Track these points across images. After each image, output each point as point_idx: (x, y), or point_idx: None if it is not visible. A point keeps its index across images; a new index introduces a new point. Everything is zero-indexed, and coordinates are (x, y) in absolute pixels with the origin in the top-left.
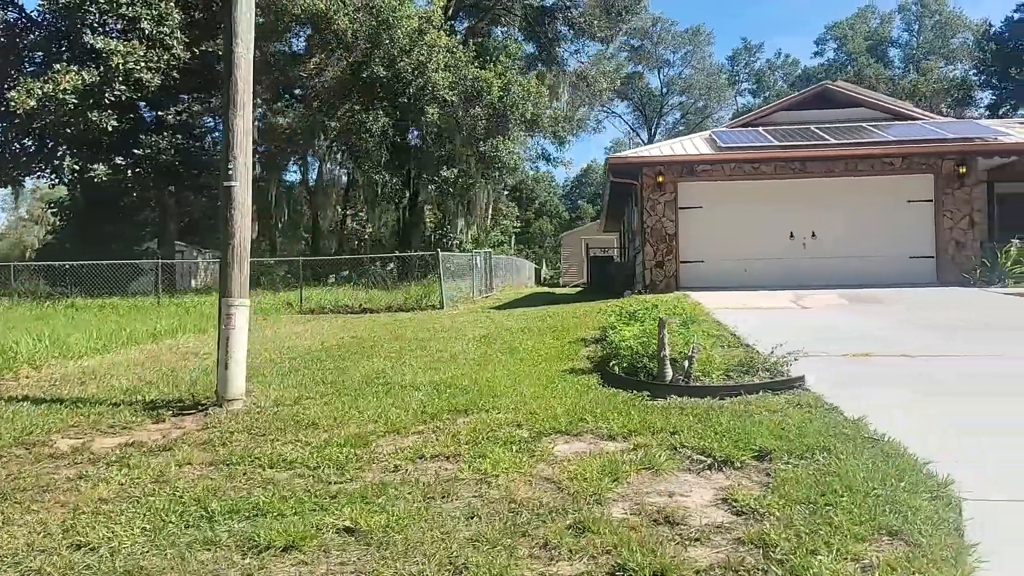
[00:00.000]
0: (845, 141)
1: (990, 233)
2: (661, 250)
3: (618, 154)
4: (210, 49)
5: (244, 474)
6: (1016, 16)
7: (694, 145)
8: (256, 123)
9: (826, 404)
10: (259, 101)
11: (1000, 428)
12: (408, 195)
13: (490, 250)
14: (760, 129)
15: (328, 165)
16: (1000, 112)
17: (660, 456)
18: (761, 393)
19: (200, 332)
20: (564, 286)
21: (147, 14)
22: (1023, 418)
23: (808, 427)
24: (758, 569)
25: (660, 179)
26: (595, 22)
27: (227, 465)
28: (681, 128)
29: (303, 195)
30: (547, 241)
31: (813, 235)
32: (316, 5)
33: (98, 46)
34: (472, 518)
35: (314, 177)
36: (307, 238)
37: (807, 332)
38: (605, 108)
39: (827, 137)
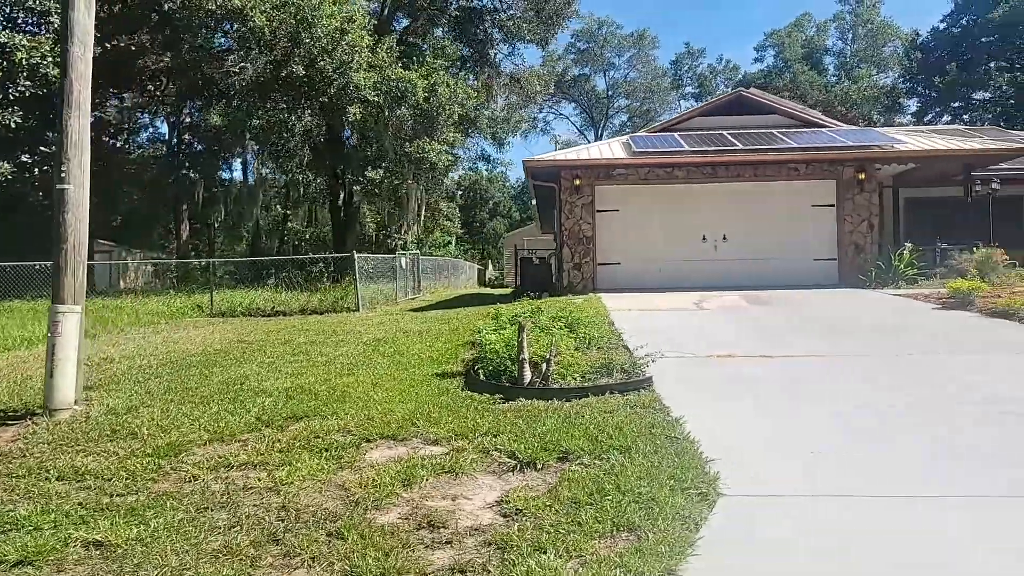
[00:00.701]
0: (752, 147)
1: (897, 236)
2: (579, 252)
3: (536, 157)
4: (122, 44)
5: (24, 487)
6: (942, 26)
7: (611, 149)
8: (186, 120)
9: (659, 405)
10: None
11: (803, 430)
12: (343, 196)
13: (417, 251)
14: (676, 135)
15: (257, 164)
16: (926, 119)
17: (468, 459)
18: (608, 394)
19: (89, 338)
20: (507, 286)
21: (57, 7)
22: (829, 422)
23: (626, 428)
24: (484, 569)
25: (577, 182)
26: (525, 25)
27: (12, 477)
28: (628, 130)
29: (244, 194)
30: (500, 242)
31: (724, 238)
32: (232, 1)
33: (2, 40)
34: (233, 528)
35: (252, 177)
36: (247, 238)
37: (691, 332)
38: (553, 110)
39: (736, 143)
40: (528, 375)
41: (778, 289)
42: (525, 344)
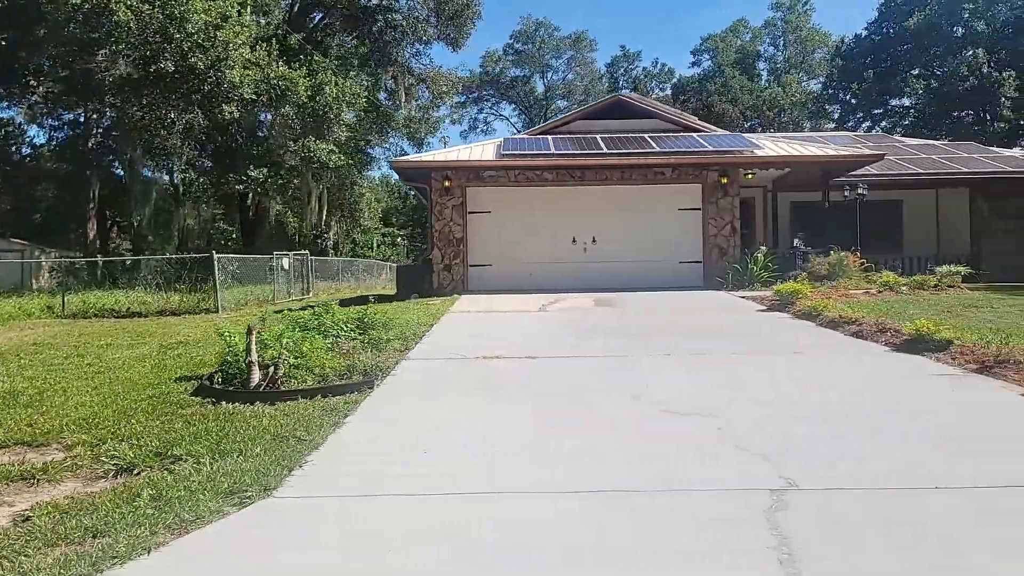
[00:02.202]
0: (620, 151)
1: (777, 239)
2: (449, 254)
3: (404, 158)
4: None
5: None
6: (864, 34)
7: (484, 151)
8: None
9: (350, 408)
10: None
11: (460, 432)
12: (251, 196)
13: (306, 252)
14: (550, 138)
15: (145, 162)
16: (847, 125)
17: (67, 465)
18: (326, 396)
19: None
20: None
21: None
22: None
23: (267, 430)
24: None
25: (447, 183)
26: (421, 25)
27: None
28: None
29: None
30: None
31: (594, 240)
32: None
33: None
34: None
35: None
36: (177, 238)
37: (501, 334)
38: (493, 111)
39: (603, 147)
40: (256, 378)
41: (642, 291)
42: (253, 347)
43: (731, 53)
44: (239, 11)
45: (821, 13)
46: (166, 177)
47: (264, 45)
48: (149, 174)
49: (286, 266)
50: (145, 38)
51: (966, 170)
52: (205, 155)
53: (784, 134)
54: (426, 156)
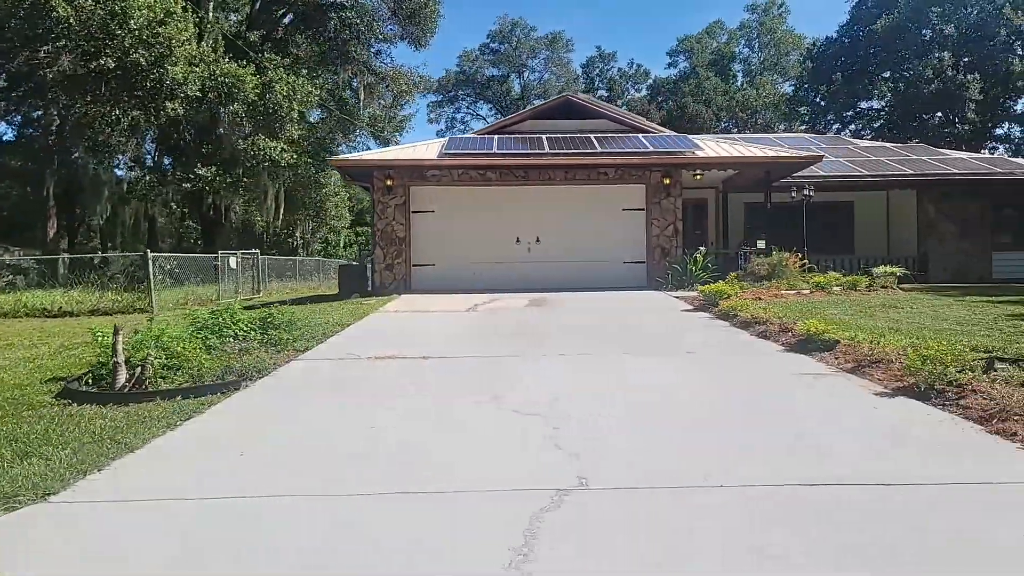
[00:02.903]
0: (562, 151)
1: (725, 239)
2: (391, 253)
3: (343, 156)
4: None
5: None
6: (835, 36)
7: (428, 150)
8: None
9: (202, 409)
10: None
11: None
12: (204, 194)
13: (256, 251)
14: (495, 137)
15: (90, 160)
16: (817, 127)
17: None
18: (183, 397)
19: None
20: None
21: None
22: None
23: (82, 431)
24: None
25: (389, 182)
26: (377, 24)
27: None
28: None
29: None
30: None
31: (538, 240)
32: None
33: None
34: None
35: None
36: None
37: (414, 334)
38: (470, 111)
39: (547, 147)
40: (122, 379)
41: (583, 291)
42: (119, 348)
43: (706, 55)
44: (184, 7)
45: (797, 16)
46: (120, 173)
47: (211, 42)
48: (97, 171)
49: (233, 265)
50: (88, 33)
51: (912, 172)
52: (156, 152)
53: (731, 135)
54: (367, 155)
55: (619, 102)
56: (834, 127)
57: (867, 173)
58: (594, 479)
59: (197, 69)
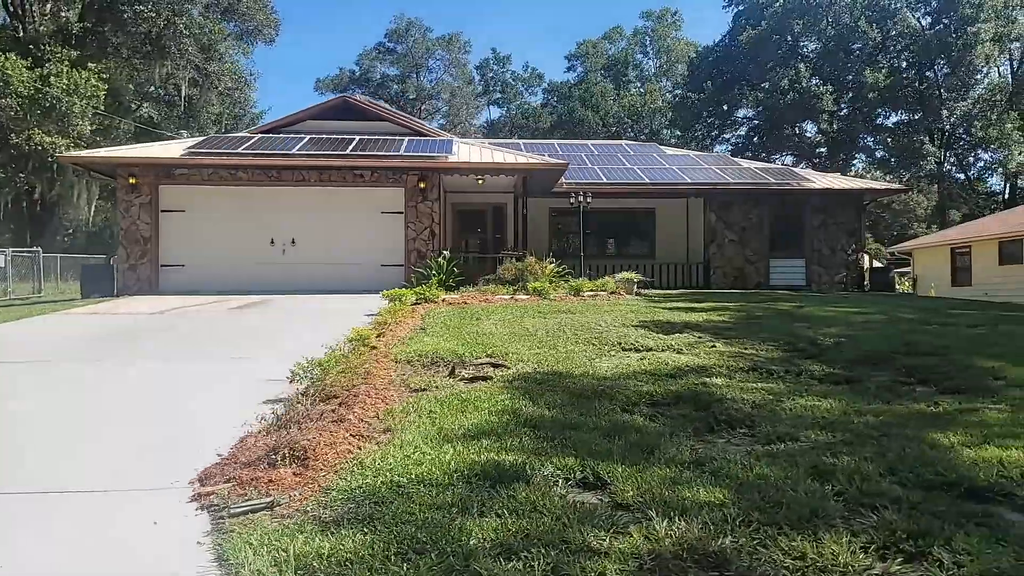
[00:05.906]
0: (312, 152)
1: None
2: (135, 253)
3: (76, 152)
4: None
5: None
6: (712, 45)
7: (178, 148)
8: None
9: None
10: None
11: None
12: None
13: (38, 249)
14: (244, 133)
15: None
16: (695, 133)
17: None
18: None
19: None
20: None
21: None
22: None
23: None
24: None
25: (133, 180)
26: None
27: None
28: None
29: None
30: None
31: (293, 242)
32: None
33: None
34: None
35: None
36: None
37: (34, 339)
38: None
39: (300, 148)
40: None
41: (334, 294)
42: None
43: (601, 59)
44: None
45: (692, 25)
46: None
47: None
48: None
49: (1, 263)
50: None
51: (690, 180)
52: None
53: (495, 140)
54: (106, 151)
55: (511, 105)
56: (712, 134)
57: (648, 181)
58: None
59: None
